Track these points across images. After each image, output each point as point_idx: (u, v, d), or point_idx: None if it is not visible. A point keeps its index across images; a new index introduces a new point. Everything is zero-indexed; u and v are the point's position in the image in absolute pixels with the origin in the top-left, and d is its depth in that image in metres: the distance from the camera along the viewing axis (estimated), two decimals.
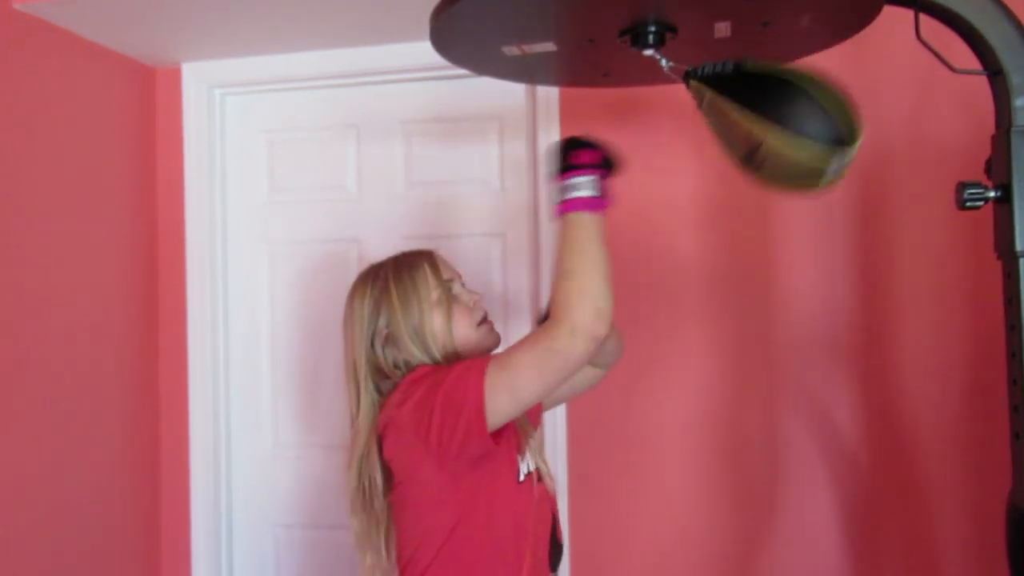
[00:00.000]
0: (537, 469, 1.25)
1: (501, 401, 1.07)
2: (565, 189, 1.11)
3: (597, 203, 1.10)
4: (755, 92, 1.03)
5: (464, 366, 1.12)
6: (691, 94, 1.11)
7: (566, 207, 1.10)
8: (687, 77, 1.10)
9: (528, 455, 1.25)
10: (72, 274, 1.96)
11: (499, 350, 1.31)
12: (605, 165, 1.13)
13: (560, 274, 1.07)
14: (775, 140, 1.01)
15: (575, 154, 1.12)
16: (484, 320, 1.29)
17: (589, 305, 1.02)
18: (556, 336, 1.03)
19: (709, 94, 1.06)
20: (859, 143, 1.02)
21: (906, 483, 1.83)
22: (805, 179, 1.05)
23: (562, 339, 1.03)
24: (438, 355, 1.23)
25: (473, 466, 1.15)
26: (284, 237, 2.27)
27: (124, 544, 2.12)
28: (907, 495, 1.83)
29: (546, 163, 1.14)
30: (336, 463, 2.19)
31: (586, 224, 1.08)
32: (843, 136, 1.00)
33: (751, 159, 1.05)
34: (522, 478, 1.22)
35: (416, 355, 1.22)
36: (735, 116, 1.03)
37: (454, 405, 1.08)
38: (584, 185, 1.10)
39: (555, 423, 1.97)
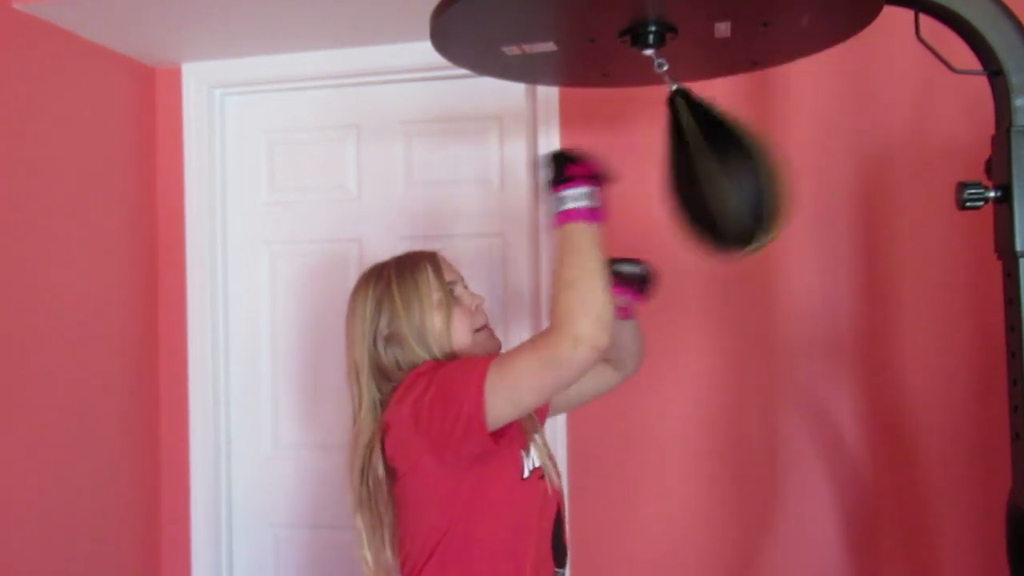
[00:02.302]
0: (542, 466, 1.25)
1: (500, 405, 1.07)
2: (563, 200, 1.12)
3: (596, 214, 1.12)
4: (723, 147, 1.08)
5: (466, 365, 1.13)
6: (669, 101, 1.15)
7: (566, 218, 1.11)
8: (675, 94, 1.14)
9: (533, 451, 1.25)
10: (72, 274, 1.96)
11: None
12: (600, 177, 1.15)
13: (561, 284, 1.07)
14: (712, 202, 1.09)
15: (569, 167, 1.13)
16: (484, 327, 1.30)
17: (592, 316, 1.03)
18: (559, 346, 1.04)
19: (686, 117, 1.11)
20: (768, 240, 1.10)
21: (906, 483, 1.82)
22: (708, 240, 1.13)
23: (565, 350, 1.03)
24: (439, 355, 1.24)
25: (474, 463, 1.16)
26: (284, 237, 2.27)
27: (124, 544, 2.12)
28: (907, 495, 1.83)
29: (539, 175, 1.16)
30: (336, 463, 2.19)
31: (586, 234, 1.09)
32: (753, 235, 1.08)
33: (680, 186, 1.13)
34: (527, 475, 1.22)
35: (419, 354, 1.23)
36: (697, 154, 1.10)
37: (454, 404, 1.09)
38: (582, 197, 1.11)
39: (555, 422, 1.97)
